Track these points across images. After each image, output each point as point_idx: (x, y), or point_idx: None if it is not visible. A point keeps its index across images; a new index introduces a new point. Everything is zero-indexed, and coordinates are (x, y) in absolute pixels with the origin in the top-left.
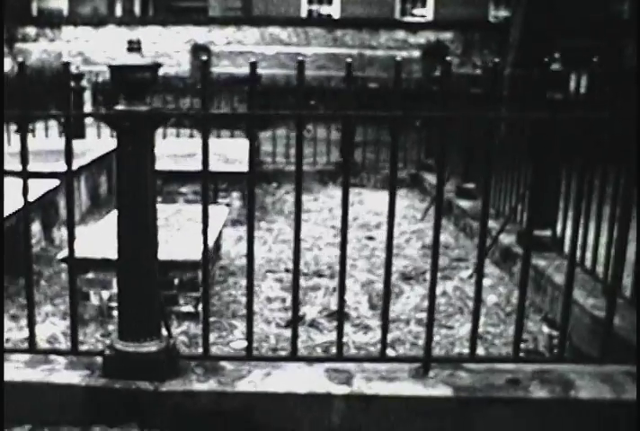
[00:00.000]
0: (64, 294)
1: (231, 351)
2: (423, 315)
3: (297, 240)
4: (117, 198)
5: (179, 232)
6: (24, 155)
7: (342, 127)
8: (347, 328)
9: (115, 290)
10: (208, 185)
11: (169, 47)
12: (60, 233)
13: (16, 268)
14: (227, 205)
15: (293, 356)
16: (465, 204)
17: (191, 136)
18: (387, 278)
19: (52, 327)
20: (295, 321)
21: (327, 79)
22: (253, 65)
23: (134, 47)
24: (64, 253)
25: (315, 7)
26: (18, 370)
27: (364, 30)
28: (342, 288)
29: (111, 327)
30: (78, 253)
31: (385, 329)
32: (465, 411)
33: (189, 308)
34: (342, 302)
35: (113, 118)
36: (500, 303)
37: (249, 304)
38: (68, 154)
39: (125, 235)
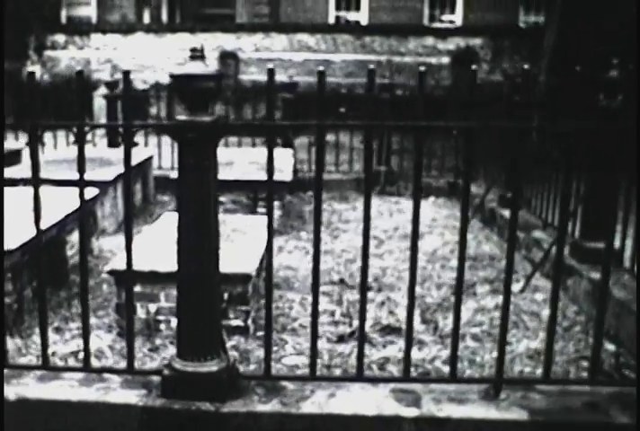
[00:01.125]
0: (106, 307)
1: (284, 368)
2: (477, 330)
3: (365, 255)
4: (178, 210)
5: (225, 243)
6: (81, 165)
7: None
8: (400, 343)
9: (162, 303)
10: (250, 194)
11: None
12: (99, 244)
13: (59, 279)
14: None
15: (359, 377)
16: (509, 213)
17: (225, 144)
18: (459, 292)
19: (98, 340)
20: (361, 342)
21: (356, 86)
22: (321, 74)
23: (197, 54)
24: (111, 266)
25: (342, 14)
26: (73, 389)
27: (392, 36)
28: (410, 310)
29: (158, 341)
30: (123, 265)
31: (454, 349)
32: None
33: (238, 322)
34: (410, 321)
35: (176, 129)
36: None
37: (314, 324)
38: (127, 165)
39: (186, 249)
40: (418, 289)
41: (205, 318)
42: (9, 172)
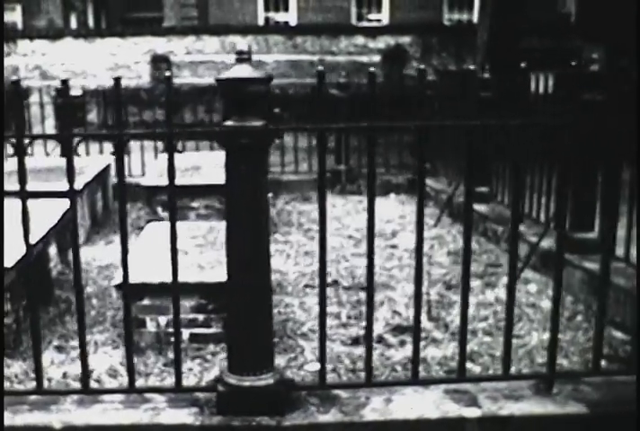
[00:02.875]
0: (103, 321)
1: (307, 375)
2: (485, 325)
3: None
4: (228, 219)
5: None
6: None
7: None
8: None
9: (171, 316)
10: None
11: (128, 58)
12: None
13: (46, 295)
14: None
15: (415, 380)
16: (481, 208)
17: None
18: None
19: (107, 358)
20: (416, 343)
21: (290, 86)
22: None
23: (243, 57)
24: (118, 279)
25: (271, 14)
26: (119, 412)
27: (323, 36)
28: (464, 307)
29: (172, 355)
30: (133, 279)
31: (508, 346)
32: (603, 428)
33: None
34: (464, 318)
35: (227, 136)
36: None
37: (369, 328)
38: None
39: (239, 259)
40: (412, 286)
41: (260, 330)
42: None
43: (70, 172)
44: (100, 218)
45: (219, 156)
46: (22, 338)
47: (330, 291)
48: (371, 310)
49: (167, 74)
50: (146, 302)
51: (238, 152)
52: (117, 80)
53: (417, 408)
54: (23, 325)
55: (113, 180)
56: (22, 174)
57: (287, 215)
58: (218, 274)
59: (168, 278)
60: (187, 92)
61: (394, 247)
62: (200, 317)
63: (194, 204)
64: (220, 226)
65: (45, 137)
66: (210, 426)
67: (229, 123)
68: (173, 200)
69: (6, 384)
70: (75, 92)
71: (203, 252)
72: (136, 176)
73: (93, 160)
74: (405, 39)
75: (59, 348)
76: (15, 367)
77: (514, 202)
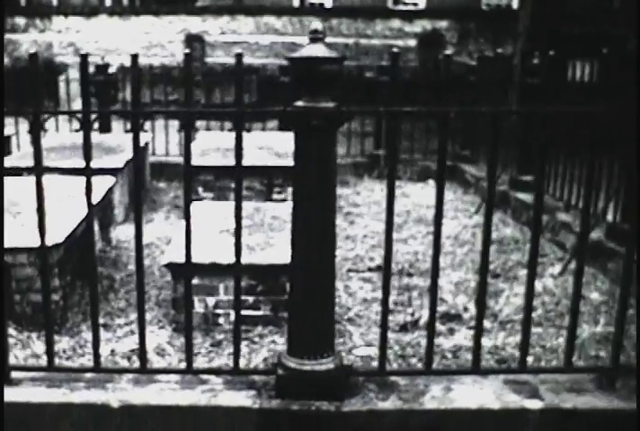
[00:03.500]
0: (147, 300)
1: (357, 360)
2: (534, 315)
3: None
4: (296, 201)
5: (275, 232)
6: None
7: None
8: (464, 331)
9: (221, 297)
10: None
11: (162, 37)
12: (116, 234)
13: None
14: (283, 200)
15: (476, 370)
16: (524, 197)
17: (221, 128)
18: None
19: (154, 337)
20: (478, 333)
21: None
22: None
23: (318, 36)
24: (168, 258)
25: None
26: (176, 392)
27: (359, 19)
28: (529, 299)
29: (218, 336)
30: (181, 258)
31: (572, 338)
32: None
33: None
34: (528, 313)
35: (298, 117)
36: (607, 301)
37: (432, 316)
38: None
39: (306, 241)
40: (460, 274)
41: (323, 313)
42: (9, 161)
43: (136, 148)
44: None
45: (257, 137)
46: (68, 315)
47: (372, 276)
48: (435, 296)
49: (238, 52)
50: (194, 282)
51: (308, 133)
52: (187, 55)
53: (477, 397)
54: (70, 302)
55: (150, 158)
56: (87, 150)
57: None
58: (269, 256)
59: (218, 258)
60: (220, 72)
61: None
62: (249, 299)
63: (233, 184)
64: (266, 207)
65: (114, 113)
66: (269, 410)
67: (300, 104)
68: (240, 182)
69: (55, 360)
70: (109, 69)
71: (252, 233)
72: (159, 155)
73: (125, 138)
74: (442, 24)
75: (105, 326)
76: (63, 343)
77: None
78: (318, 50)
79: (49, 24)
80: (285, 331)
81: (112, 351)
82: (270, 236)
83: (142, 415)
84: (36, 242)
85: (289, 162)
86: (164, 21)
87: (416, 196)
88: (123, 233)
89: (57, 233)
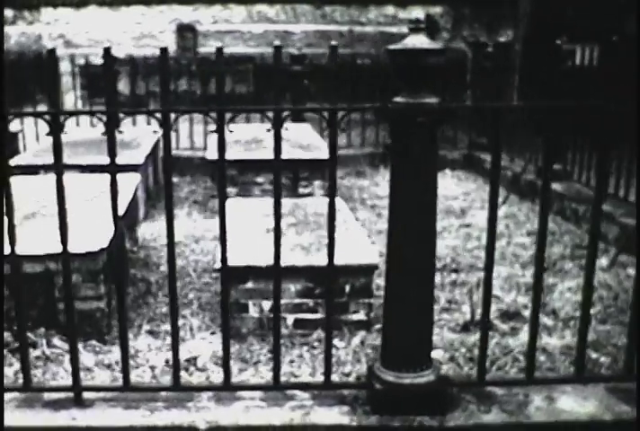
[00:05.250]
0: (189, 304)
1: None
2: (593, 311)
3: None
4: (394, 200)
5: (325, 231)
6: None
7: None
8: (525, 329)
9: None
10: (290, 174)
11: (153, 27)
12: (141, 232)
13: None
14: (309, 194)
15: (579, 377)
16: (556, 186)
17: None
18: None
19: (206, 344)
20: (582, 341)
21: (319, 57)
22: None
23: (418, 27)
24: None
25: None
26: (263, 410)
27: (353, 6)
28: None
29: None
30: (236, 262)
31: None
32: None
33: (360, 316)
34: (637, 311)
35: (401, 113)
36: None
37: (534, 318)
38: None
39: (406, 243)
40: (506, 269)
41: (423, 322)
42: (23, 160)
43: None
44: (152, 193)
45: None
46: (112, 324)
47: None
48: (537, 300)
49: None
50: (249, 285)
51: (412, 131)
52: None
53: (585, 408)
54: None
55: (160, 152)
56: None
57: (347, 190)
58: (325, 257)
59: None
60: (214, 62)
61: (468, 226)
62: (307, 302)
63: (259, 179)
64: (305, 203)
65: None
66: (368, 427)
67: (399, 99)
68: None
69: (109, 374)
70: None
71: (300, 233)
72: (183, 149)
73: (143, 132)
74: (437, 10)
75: (152, 333)
76: (115, 354)
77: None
78: (421, 42)
79: (38, 16)
80: (345, 335)
81: (167, 362)
82: (320, 235)
83: None
84: (80, 248)
85: (315, 154)
86: (154, 11)
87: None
88: (147, 231)
89: (99, 236)
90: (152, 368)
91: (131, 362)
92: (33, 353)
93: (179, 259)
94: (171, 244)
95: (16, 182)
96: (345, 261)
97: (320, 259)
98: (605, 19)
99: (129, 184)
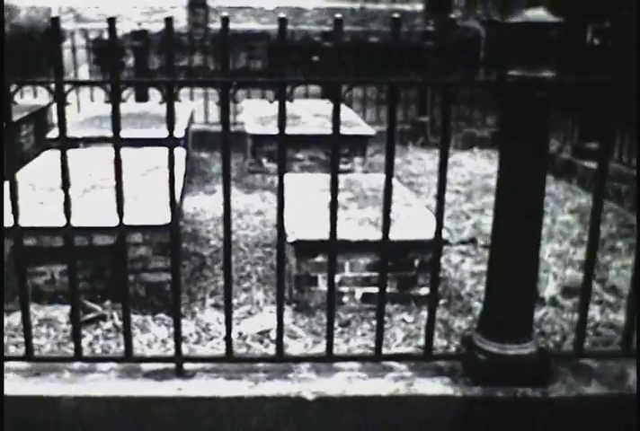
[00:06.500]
0: (247, 277)
1: None
2: None
3: None
4: (504, 176)
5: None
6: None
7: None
8: (592, 305)
9: (347, 273)
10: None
11: (164, 2)
12: (184, 207)
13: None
14: (349, 171)
15: None
16: (591, 164)
17: (263, 97)
18: None
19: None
20: None
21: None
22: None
23: None
24: (295, 236)
25: None
26: (365, 381)
27: None
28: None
29: (346, 315)
30: (308, 235)
31: None
32: None
33: (428, 290)
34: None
35: (519, 87)
36: None
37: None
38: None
39: (516, 216)
40: (556, 246)
41: (527, 293)
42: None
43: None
44: (187, 167)
45: (314, 104)
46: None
47: (468, 249)
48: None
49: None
50: (319, 259)
51: (526, 105)
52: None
53: None
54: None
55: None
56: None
57: (380, 167)
58: (396, 231)
59: (347, 235)
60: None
61: None
62: (375, 275)
63: (299, 155)
64: (359, 179)
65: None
66: (472, 397)
67: (515, 73)
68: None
69: (184, 346)
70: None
71: (363, 207)
72: (199, 123)
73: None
74: None
75: (217, 306)
76: (187, 326)
77: None
78: (539, 15)
79: None
80: (413, 309)
81: (240, 334)
82: (378, 210)
83: (339, 407)
84: (150, 220)
85: (354, 130)
86: None
87: (468, 164)
88: (189, 205)
89: (163, 209)
90: (226, 340)
91: (204, 334)
92: (104, 325)
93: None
94: (227, 218)
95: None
96: (415, 236)
97: (391, 234)
98: None
99: (178, 159)
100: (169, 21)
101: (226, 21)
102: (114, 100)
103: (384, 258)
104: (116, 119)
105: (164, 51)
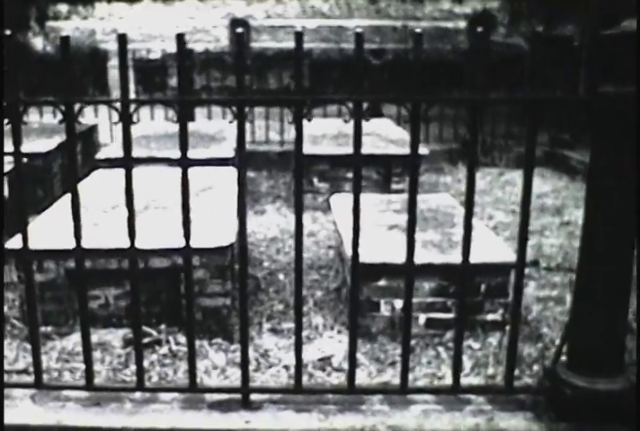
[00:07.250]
0: (303, 302)
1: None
2: None
3: None
4: (593, 196)
5: (448, 228)
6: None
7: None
8: None
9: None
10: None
11: (206, 22)
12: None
13: None
14: (401, 191)
15: None
16: None
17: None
18: None
19: (338, 344)
20: None
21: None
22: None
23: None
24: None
25: None
26: (442, 414)
27: (408, 0)
28: None
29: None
30: (371, 259)
31: None
32: None
33: (495, 316)
34: None
35: (612, 103)
36: None
37: None
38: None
39: (603, 239)
40: None
41: (618, 324)
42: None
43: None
44: None
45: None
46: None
47: (530, 272)
48: None
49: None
50: (381, 283)
51: (619, 122)
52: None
53: None
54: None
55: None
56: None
57: (431, 186)
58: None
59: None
60: (270, 56)
61: (567, 224)
62: (439, 301)
63: (349, 174)
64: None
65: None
66: None
67: (609, 89)
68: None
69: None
70: (154, 55)
71: (424, 229)
72: (258, 143)
73: (224, 125)
74: (493, 4)
75: (275, 331)
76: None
77: None
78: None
79: (92, 11)
80: (479, 336)
81: (307, 363)
82: (445, 232)
83: None
84: (208, 243)
85: (407, 150)
86: (207, 6)
87: (521, 184)
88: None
89: (223, 231)
90: (286, 368)
91: (262, 361)
92: (160, 350)
93: (279, 255)
94: (299, 241)
95: (107, 175)
96: (481, 259)
97: (455, 257)
98: None
99: (233, 178)
100: (240, 36)
101: (299, 36)
102: (181, 119)
103: (462, 282)
104: (183, 139)
105: (236, 69)
